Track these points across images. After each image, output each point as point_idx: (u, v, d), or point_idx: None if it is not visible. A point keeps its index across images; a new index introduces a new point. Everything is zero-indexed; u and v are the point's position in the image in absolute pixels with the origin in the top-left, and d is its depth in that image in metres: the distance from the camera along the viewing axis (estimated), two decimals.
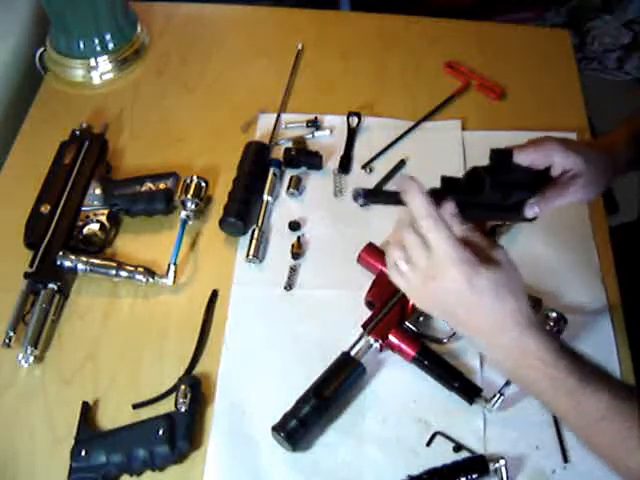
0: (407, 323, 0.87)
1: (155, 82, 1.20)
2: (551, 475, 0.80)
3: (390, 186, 1.05)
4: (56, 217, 0.96)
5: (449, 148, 1.09)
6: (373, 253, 0.93)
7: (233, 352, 0.89)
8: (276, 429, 0.80)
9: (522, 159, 0.75)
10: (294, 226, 1.00)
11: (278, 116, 1.12)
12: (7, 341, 0.87)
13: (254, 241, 0.97)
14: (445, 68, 1.19)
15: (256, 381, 0.87)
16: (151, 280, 0.93)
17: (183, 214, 0.98)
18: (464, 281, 0.64)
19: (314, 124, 1.11)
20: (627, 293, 0.93)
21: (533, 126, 1.10)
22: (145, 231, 1.01)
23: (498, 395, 0.82)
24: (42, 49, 1.21)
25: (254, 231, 0.98)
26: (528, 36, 1.27)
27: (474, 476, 0.77)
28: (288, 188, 1.04)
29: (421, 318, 0.89)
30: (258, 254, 0.96)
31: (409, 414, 0.84)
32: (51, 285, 0.91)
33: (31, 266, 0.92)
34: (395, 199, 0.65)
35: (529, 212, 0.77)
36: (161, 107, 1.16)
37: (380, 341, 0.86)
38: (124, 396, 0.85)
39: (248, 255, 0.96)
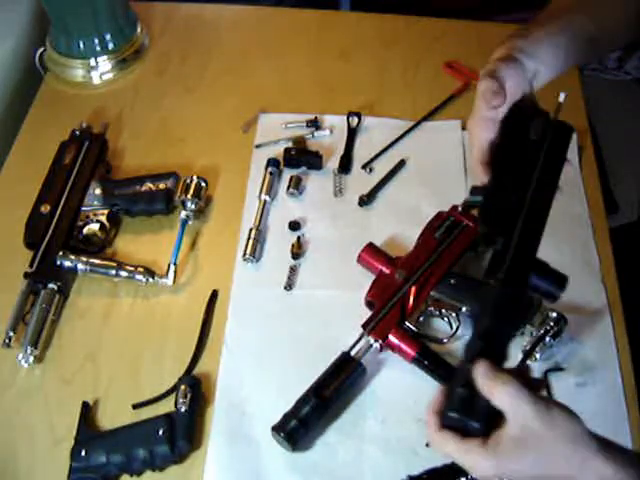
0: (407, 323, 0.87)
1: (155, 82, 1.20)
2: None
3: (392, 187, 1.05)
4: (56, 217, 0.96)
5: (449, 148, 1.09)
6: (373, 253, 0.93)
7: (233, 352, 0.89)
8: (276, 429, 0.80)
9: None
10: (294, 226, 1.00)
11: None
12: (7, 341, 0.87)
13: (250, 240, 0.97)
14: (445, 68, 1.19)
15: (256, 381, 0.87)
16: (151, 280, 0.93)
17: (183, 214, 0.98)
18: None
19: (314, 124, 1.11)
20: (627, 293, 0.93)
21: None
22: (145, 231, 1.01)
23: None
24: (42, 49, 1.21)
25: (251, 230, 0.98)
26: None
27: (474, 476, 0.77)
28: (288, 188, 1.04)
29: (421, 318, 0.90)
30: (254, 254, 0.96)
31: (409, 414, 0.84)
32: (51, 285, 0.91)
33: (31, 266, 0.92)
34: None
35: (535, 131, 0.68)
36: (161, 107, 1.16)
37: (380, 341, 0.86)
38: (124, 396, 0.85)
39: (245, 254, 0.96)
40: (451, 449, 0.58)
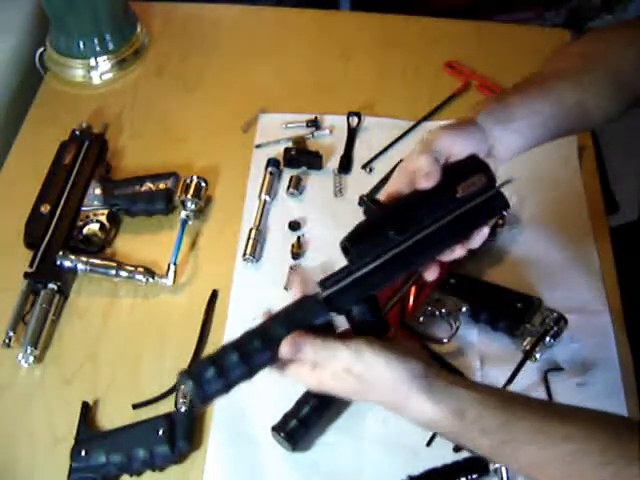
0: (407, 323, 0.87)
1: (155, 82, 1.20)
2: None
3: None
4: (56, 217, 0.96)
5: None
6: None
7: None
8: (276, 429, 0.80)
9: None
10: (294, 226, 1.00)
11: None
12: (7, 341, 0.87)
13: (250, 240, 0.97)
14: (445, 68, 1.19)
15: (256, 381, 0.87)
16: (151, 280, 0.93)
17: (183, 214, 0.98)
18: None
19: (314, 124, 1.11)
20: (627, 293, 0.93)
21: None
22: (145, 231, 1.01)
23: None
24: (42, 49, 1.21)
25: (251, 230, 0.98)
26: (528, 36, 1.27)
27: (474, 476, 0.77)
28: (288, 188, 1.04)
29: (421, 318, 0.89)
30: (254, 254, 0.96)
31: None
32: (51, 285, 0.91)
33: (31, 266, 0.92)
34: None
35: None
36: (161, 107, 1.16)
37: None
38: (124, 396, 0.85)
39: (245, 254, 0.96)
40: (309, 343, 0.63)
